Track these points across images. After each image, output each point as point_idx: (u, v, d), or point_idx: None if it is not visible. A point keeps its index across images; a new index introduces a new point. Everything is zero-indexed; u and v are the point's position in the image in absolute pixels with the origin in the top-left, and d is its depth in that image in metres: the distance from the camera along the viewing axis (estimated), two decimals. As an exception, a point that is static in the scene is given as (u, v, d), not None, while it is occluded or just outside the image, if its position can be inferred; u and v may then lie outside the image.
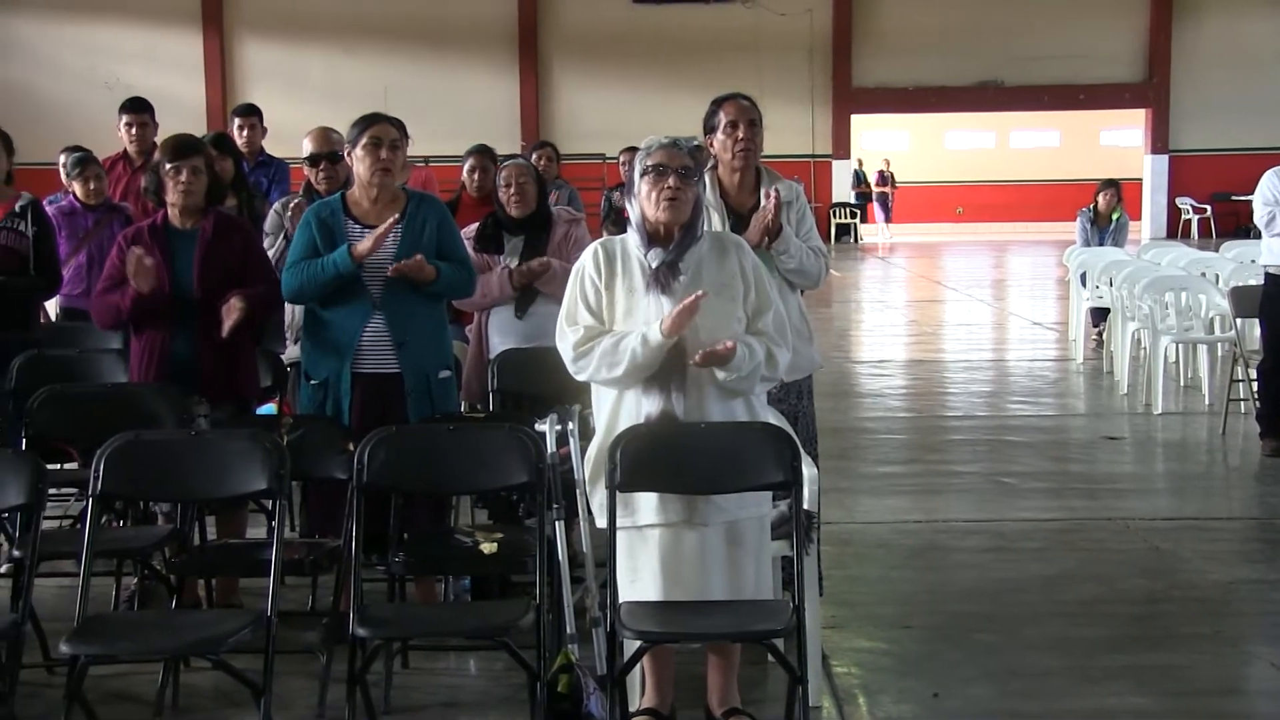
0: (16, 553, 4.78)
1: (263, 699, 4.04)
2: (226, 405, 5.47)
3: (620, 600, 4.07)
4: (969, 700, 4.69)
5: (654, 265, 4.18)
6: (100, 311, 5.54)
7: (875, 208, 32.38)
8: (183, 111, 20.51)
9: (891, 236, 31.77)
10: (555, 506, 4.38)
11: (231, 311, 5.30)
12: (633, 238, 4.26)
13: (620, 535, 4.16)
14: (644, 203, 4.20)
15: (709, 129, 5.16)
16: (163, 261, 5.36)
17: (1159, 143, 29.72)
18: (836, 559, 6.10)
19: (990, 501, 7.45)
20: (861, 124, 30.59)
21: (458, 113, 25.81)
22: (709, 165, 5.13)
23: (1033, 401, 10.67)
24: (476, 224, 6.35)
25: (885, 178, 32.46)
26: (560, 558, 4.35)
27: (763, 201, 5.05)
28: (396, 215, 5.21)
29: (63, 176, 7.59)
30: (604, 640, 4.15)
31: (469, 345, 6.38)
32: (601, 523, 4.20)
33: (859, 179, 31.66)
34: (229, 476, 4.50)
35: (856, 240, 30.61)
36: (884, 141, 33.77)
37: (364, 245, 5.14)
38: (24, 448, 5.15)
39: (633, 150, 4.35)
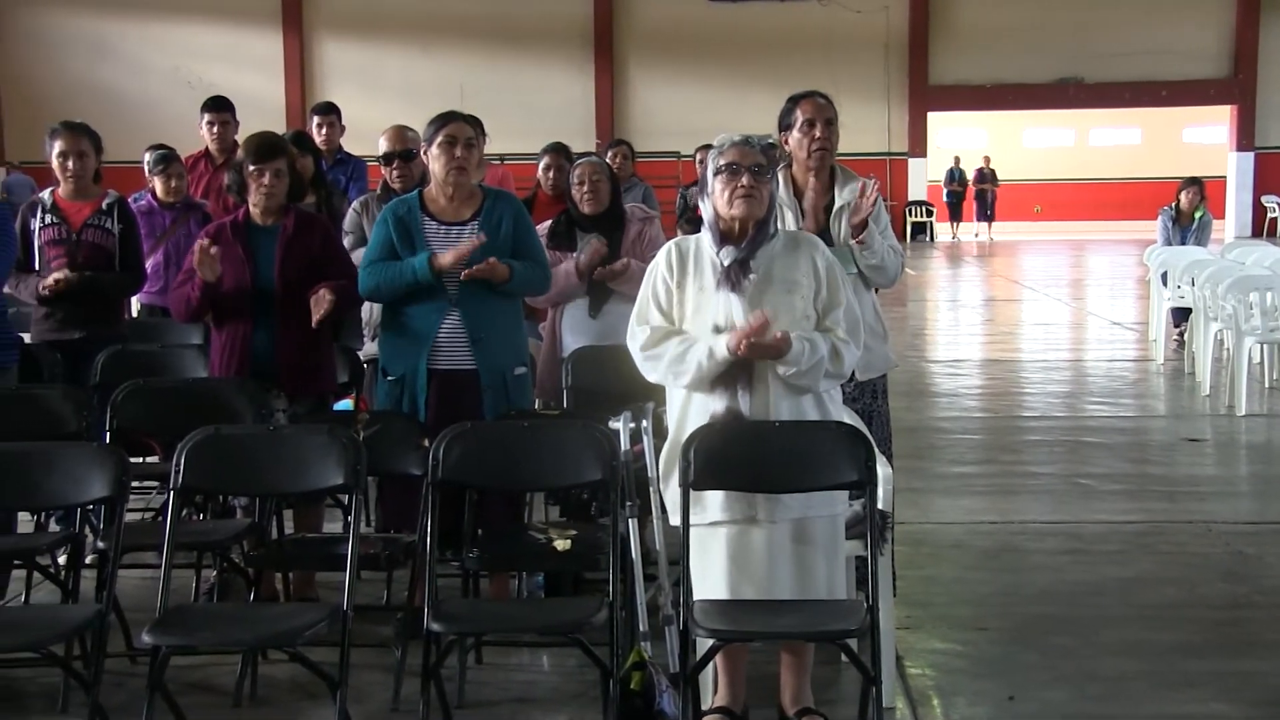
0: (101, 544, 4.86)
1: (338, 692, 4.07)
2: (304, 400, 5.53)
3: (693, 598, 4.08)
4: (1045, 704, 4.65)
5: (725, 262, 4.18)
6: (175, 303, 5.65)
7: (974, 206, 31.76)
8: (263, 110, 20.73)
9: (991, 236, 31.09)
10: (628, 504, 4.39)
11: (321, 303, 5.36)
12: (706, 236, 4.26)
13: (692, 533, 4.16)
14: (717, 200, 4.20)
15: (784, 126, 5.14)
16: (244, 258, 5.44)
17: (1245, 140, 29.26)
18: (910, 559, 6.06)
19: (1067, 503, 7.38)
20: (938, 122, 30.35)
21: (533, 110, 25.92)
22: (784, 163, 5.13)
23: (1111, 402, 10.54)
24: (549, 221, 6.37)
25: (985, 175, 31.82)
26: (633, 555, 4.36)
27: (838, 195, 5.04)
28: (481, 235, 5.22)
29: (146, 174, 7.70)
30: (677, 638, 4.15)
31: (543, 343, 6.40)
32: (675, 520, 4.21)
33: (952, 176, 31.20)
34: (306, 471, 4.55)
35: (932, 239, 30.37)
36: (961, 139, 33.48)
37: (446, 259, 5.17)
38: (108, 441, 5.23)
39: (708, 148, 4.35)
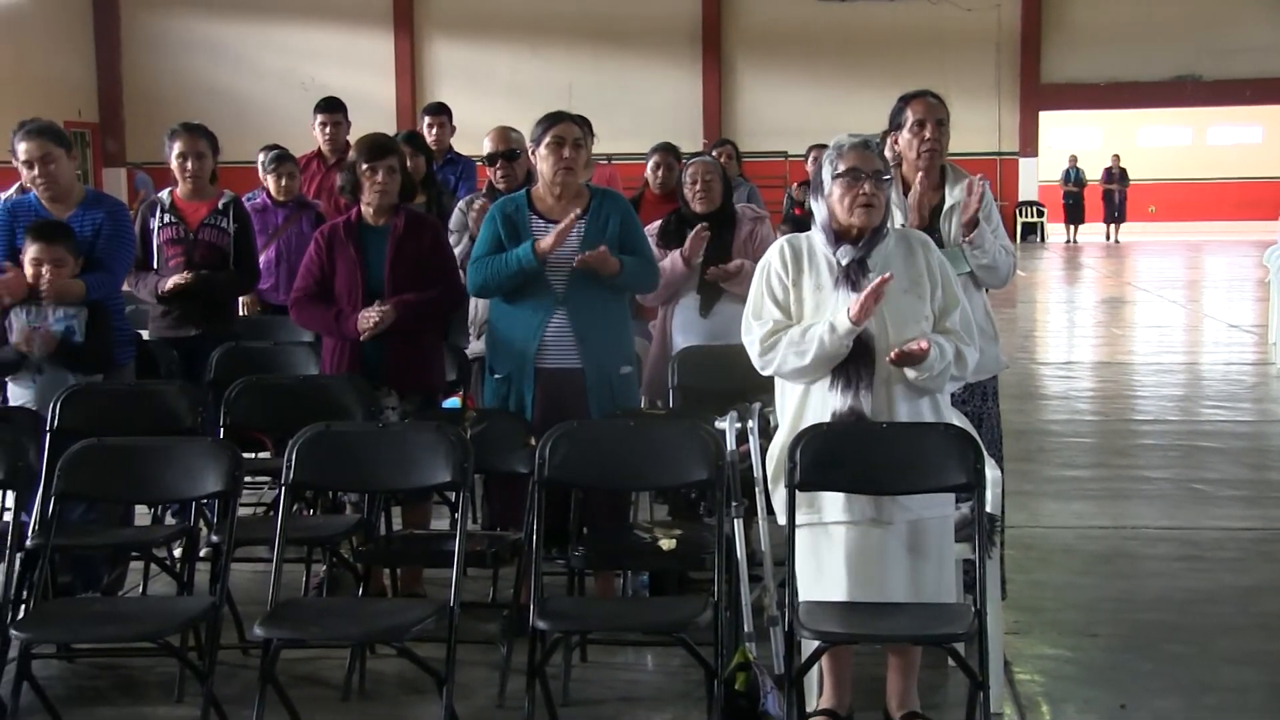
0: (215, 538, 4.94)
1: (445, 688, 4.11)
2: (413, 398, 5.59)
3: (799, 599, 4.06)
4: (1158, 713, 4.56)
5: (843, 262, 4.15)
6: (305, 319, 5.70)
7: (1102, 206, 30.84)
8: (374, 110, 20.98)
9: (1118, 238, 30.20)
10: (734, 504, 4.38)
11: (368, 320, 5.40)
12: (818, 235, 4.24)
13: (803, 533, 4.14)
14: (835, 205, 4.16)
15: (895, 126, 5.10)
16: (356, 257, 5.50)
17: (1373, 138, 28.45)
18: (1019, 563, 5.98)
19: (1181, 508, 7.23)
20: (1049, 121, 29.88)
21: (641, 110, 25.95)
22: (895, 164, 5.09)
23: (1228, 406, 10.32)
24: (659, 221, 6.38)
25: (1113, 174, 30.80)
26: (739, 555, 4.34)
27: (949, 194, 4.99)
28: (579, 210, 5.26)
29: (260, 174, 7.82)
30: (782, 639, 4.13)
31: (650, 342, 6.41)
32: (783, 521, 4.19)
33: (1069, 177, 30.50)
34: (414, 468, 4.59)
35: (1042, 240, 29.91)
36: (1073, 138, 32.93)
37: (547, 241, 5.21)
38: (222, 437, 5.33)
39: (821, 148, 4.31)
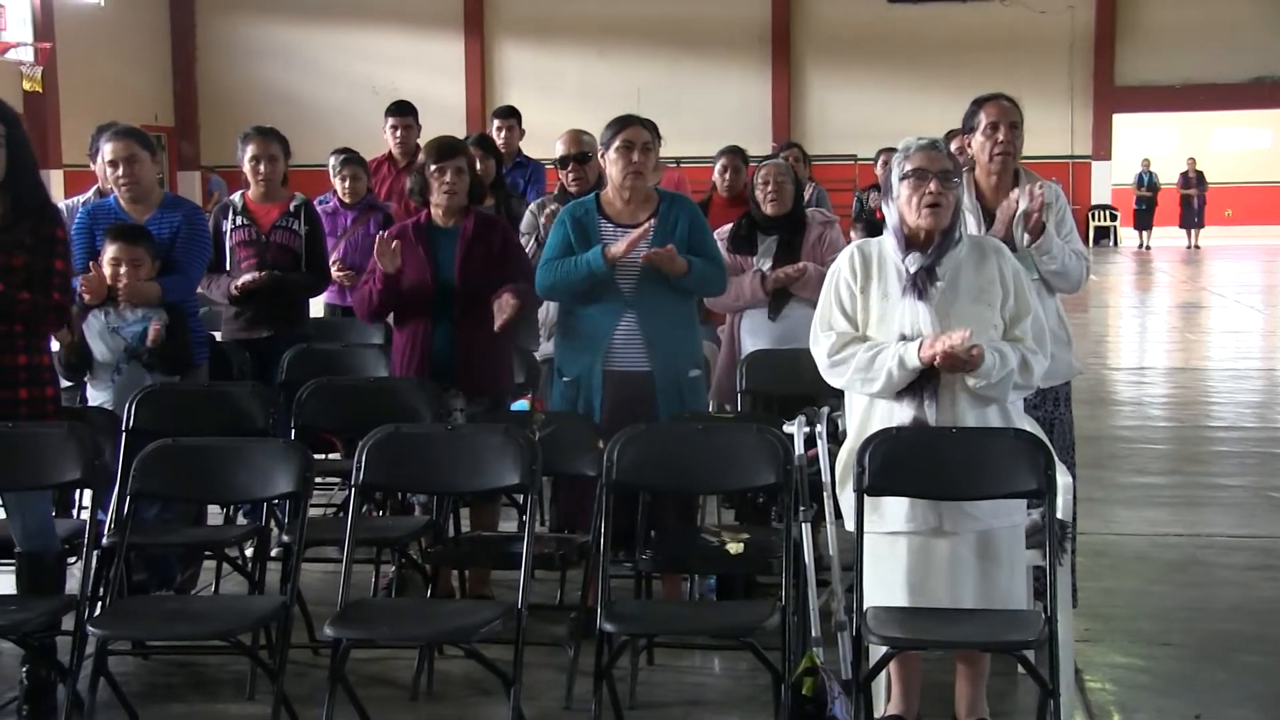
0: (285, 538, 4.99)
1: (512, 689, 4.12)
2: (481, 400, 5.61)
3: (866, 604, 4.04)
4: (1233, 723, 4.51)
5: (911, 270, 4.12)
6: (358, 302, 5.78)
7: (1180, 211, 30.04)
8: (444, 114, 21.07)
9: (1197, 243, 29.33)
10: (802, 508, 4.37)
11: (505, 308, 5.43)
12: (889, 241, 4.21)
13: (871, 539, 4.12)
14: (903, 207, 4.14)
15: (968, 129, 5.07)
16: (425, 259, 5.54)
17: None
18: (1091, 571, 5.91)
19: (1258, 517, 7.13)
20: (1123, 123, 29.52)
21: (709, 113, 25.91)
22: (967, 167, 5.06)
23: (1306, 413, 10.17)
24: (728, 224, 6.37)
25: (1190, 179, 29.85)
26: (806, 560, 4.33)
27: (1018, 198, 4.95)
28: (652, 219, 5.26)
29: (331, 177, 7.88)
30: (849, 644, 4.11)
31: (719, 346, 6.40)
32: (851, 526, 4.17)
33: (1141, 181, 29.93)
34: (483, 470, 4.61)
35: (1115, 244, 29.55)
36: (1147, 141, 32.50)
37: (618, 248, 5.21)
38: (293, 438, 5.37)
39: (890, 151, 4.29)
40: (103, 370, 5.54)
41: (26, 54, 20.37)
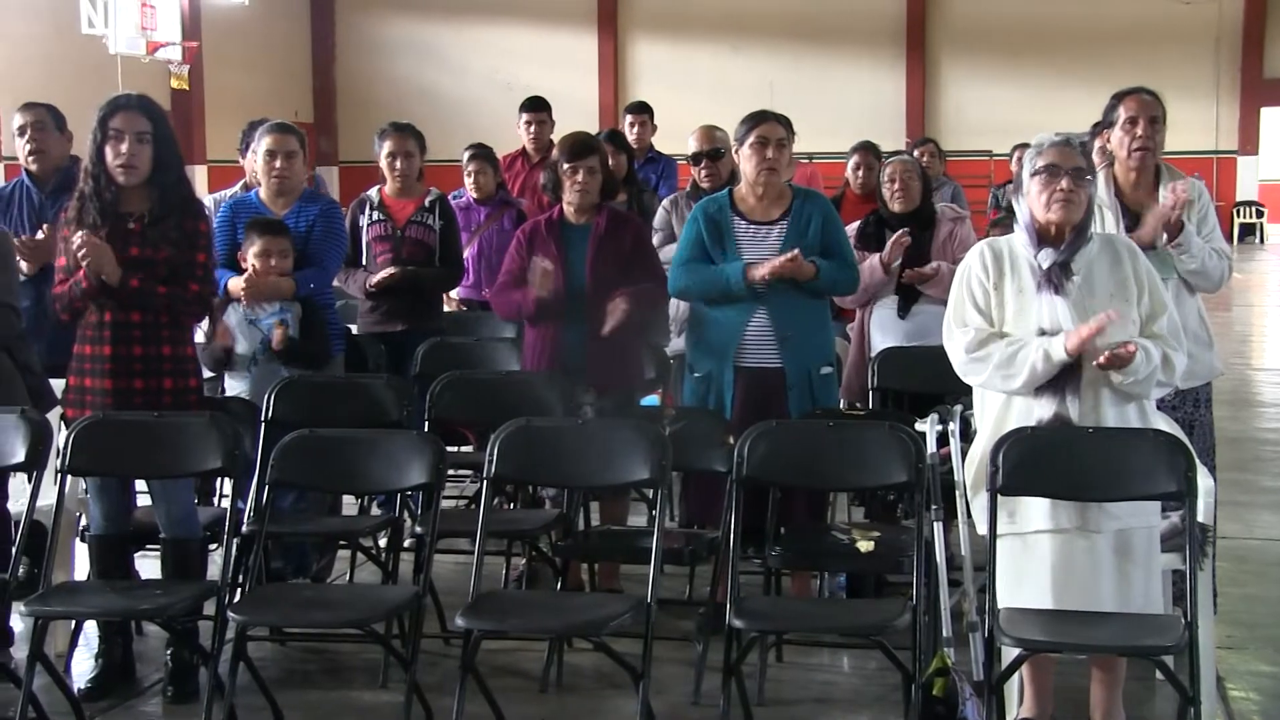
0: (418, 529, 5.06)
1: (641, 683, 4.12)
2: (612, 395, 5.63)
3: (999, 605, 3.98)
4: (1381, 736, 4.37)
5: (1045, 265, 4.06)
6: (502, 305, 5.81)
7: None
8: (577, 109, 21.19)
9: None
10: (934, 507, 4.32)
11: (615, 311, 5.45)
12: (1020, 237, 4.16)
13: (1002, 541, 4.06)
14: (1034, 203, 4.09)
15: (1107, 124, 4.98)
16: (558, 256, 5.57)
17: None
18: (1232, 576, 5.77)
19: None
20: (1272, 117, 28.65)
21: (842, 108, 25.72)
22: (1106, 163, 4.96)
23: None
24: (858, 222, 6.32)
25: None
26: (938, 559, 4.28)
27: (1162, 197, 4.84)
28: (795, 251, 5.20)
29: (464, 172, 7.95)
30: (982, 645, 4.06)
31: (850, 343, 6.36)
32: (982, 529, 4.11)
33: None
34: (613, 465, 4.63)
35: (1262, 241, 28.73)
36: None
37: (760, 271, 5.19)
38: (427, 430, 5.44)
39: (1025, 147, 4.23)
40: (240, 361, 5.66)
41: (175, 53, 20.87)
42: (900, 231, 6.01)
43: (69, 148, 6.02)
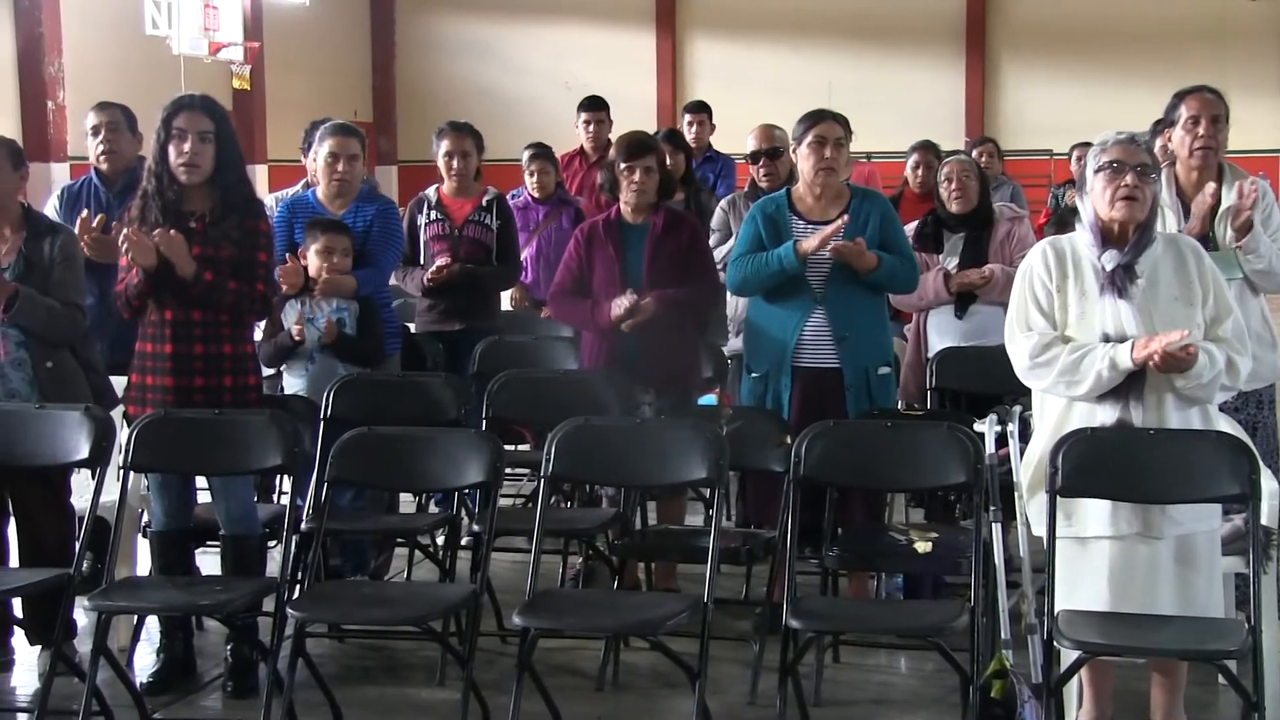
0: (475, 527, 5.07)
1: (697, 682, 4.13)
2: (669, 395, 5.63)
3: (1058, 607, 3.95)
4: None
5: (1109, 267, 4.01)
6: (564, 313, 5.82)
7: None
8: (635, 108, 21.17)
9: None
10: (993, 508, 4.29)
11: (642, 310, 5.43)
12: (1082, 237, 4.11)
13: (1061, 544, 4.03)
14: (1097, 200, 4.04)
15: (1168, 123, 4.93)
16: (615, 255, 5.58)
17: None
18: (1297, 580, 5.69)
19: None
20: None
21: (901, 108, 25.54)
22: (1168, 162, 4.91)
23: None
24: (915, 222, 6.29)
25: None
26: (996, 561, 4.25)
27: (1211, 193, 4.79)
28: (845, 216, 5.22)
29: (524, 172, 7.97)
30: (1040, 648, 4.03)
31: (907, 343, 6.33)
32: (1040, 530, 4.08)
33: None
34: (670, 464, 4.62)
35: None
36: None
37: (810, 243, 5.19)
38: (484, 428, 5.46)
39: (1085, 146, 4.19)
40: (298, 359, 5.70)
41: (237, 54, 21.06)
42: (978, 273, 5.94)
43: (139, 148, 6.08)
